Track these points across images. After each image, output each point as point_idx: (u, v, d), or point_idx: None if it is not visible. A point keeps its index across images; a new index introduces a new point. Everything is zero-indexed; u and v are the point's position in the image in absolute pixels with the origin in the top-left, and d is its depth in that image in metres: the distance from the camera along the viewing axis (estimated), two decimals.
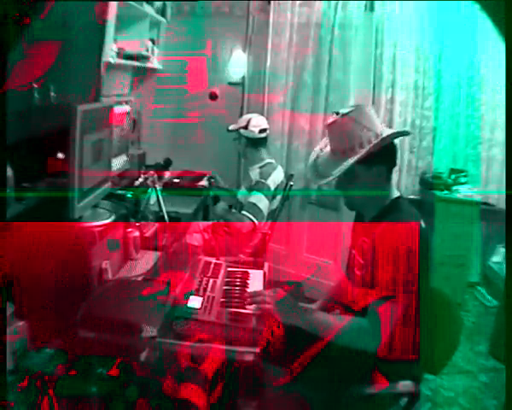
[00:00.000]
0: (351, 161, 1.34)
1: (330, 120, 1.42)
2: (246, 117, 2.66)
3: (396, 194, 1.44)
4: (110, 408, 1.25)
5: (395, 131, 1.43)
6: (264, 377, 1.43)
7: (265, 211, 2.49)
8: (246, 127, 2.60)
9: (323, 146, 1.51)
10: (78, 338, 1.30)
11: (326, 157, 1.46)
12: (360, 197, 1.42)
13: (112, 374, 1.27)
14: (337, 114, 1.40)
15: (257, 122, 2.61)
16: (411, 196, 3.24)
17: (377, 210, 1.41)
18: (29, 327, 1.28)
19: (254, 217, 2.42)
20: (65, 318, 1.32)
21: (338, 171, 1.36)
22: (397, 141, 1.44)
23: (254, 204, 2.44)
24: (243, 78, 3.42)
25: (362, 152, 1.34)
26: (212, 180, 2.94)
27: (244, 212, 2.44)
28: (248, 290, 1.56)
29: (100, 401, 1.26)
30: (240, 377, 1.43)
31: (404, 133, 1.50)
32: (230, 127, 2.67)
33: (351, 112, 1.38)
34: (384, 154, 1.38)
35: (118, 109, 2.60)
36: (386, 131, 1.40)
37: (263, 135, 2.62)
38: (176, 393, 1.28)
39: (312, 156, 1.52)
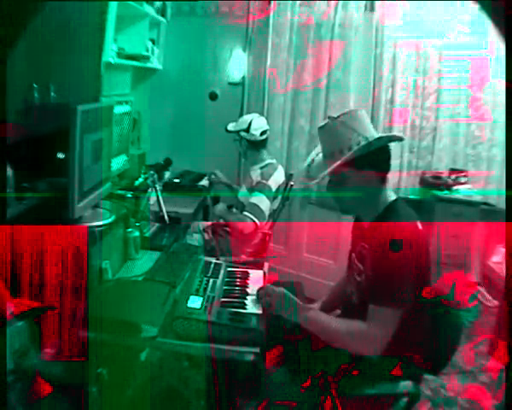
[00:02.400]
0: (336, 163, 1.35)
1: (321, 123, 1.44)
2: (246, 119, 2.65)
3: (392, 197, 1.43)
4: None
5: (385, 135, 1.43)
6: None
7: (267, 212, 2.49)
8: (247, 130, 2.59)
9: (315, 155, 1.53)
10: None
11: (319, 160, 1.48)
12: (353, 203, 1.42)
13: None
14: (329, 118, 1.42)
15: (258, 124, 2.61)
16: (411, 197, 3.24)
17: (373, 215, 1.41)
18: None
19: (256, 218, 2.42)
20: None
21: (324, 173, 1.38)
22: (393, 145, 1.43)
23: (256, 205, 2.45)
24: (243, 78, 3.42)
25: (348, 155, 1.35)
26: (214, 177, 2.95)
27: (246, 212, 2.44)
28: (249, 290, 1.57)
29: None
30: None
31: (395, 138, 1.48)
32: (229, 127, 2.67)
33: (341, 116, 1.40)
34: (375, 158, 1.38)
35: (118, 109, 2.60)
36: (377, 136, 1.40)
37: (264, 137, 2.63)
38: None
39: (308, 159, 1.53)
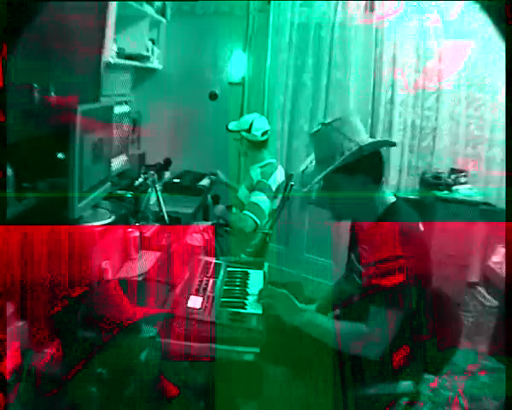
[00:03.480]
0: (328, 169, 1.35)
1: (314, 129, 1.44)
2: (247, 119, 2.65)
3: (391, 200, 1.43)
4: None
5: (377, 140, 1.43)
6: None
7: (267, 211, 2.49)
8: (248, 130, 2.59)
9: (309, 162, 1.53)
10: None
11: (312, 168, 1.48)
12: (348, 208, 1.43)
13: None
14: (322, 124, 1.42)
15: (259, 125, 2.60)
16: (411, 197, 3.24)
17: (374, 217, 1.40)
18: None
19: (256, 217, 2.42)
20: None
21: (316, 179, 1.38)
22: (390, 149, 1.43)
23: (256, 204, 2.44)
24: (243, 78, 3.42)
25: (339, 161, 1.35)
26: (214, 176, 2.95)
27: (246, 212, 2.44)
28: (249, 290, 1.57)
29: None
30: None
31: (387, 143, 1.48)
32: (230, 126, 2.67)
33: (333, 122, 1.40)
34: (367, 163, 1.38)
35: (118, 109, 2.60)
36: (368, 141, 1.40)
37: (265, 137, 2.63)
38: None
39: (302, 166, 1.53)
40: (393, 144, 1.48)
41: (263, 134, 2.60)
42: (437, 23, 3.00)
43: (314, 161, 1.48)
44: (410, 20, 3.04)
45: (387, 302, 1.26)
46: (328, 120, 1.41)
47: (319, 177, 1.37)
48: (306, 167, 1.52)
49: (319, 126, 1.42)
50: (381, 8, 3.01)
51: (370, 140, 1.41)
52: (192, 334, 1.29)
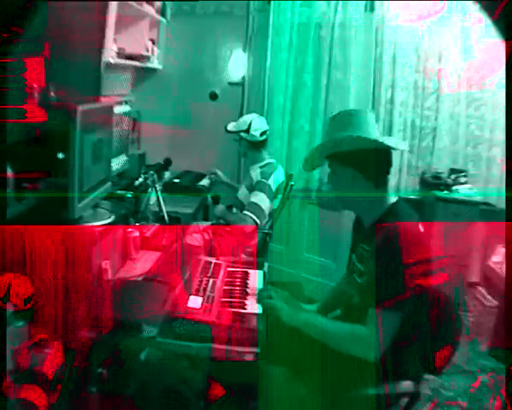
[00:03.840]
0: (329, 152, 1.39)
1: (333, 114, 1.47)
2: (246, 119, 2.65)
3: (394, 199, 1.43)
4: None
5: (384, 139, 1.41)
6: None
7: (267, 211, 2.49)
8: (247, 131, 2.59)
9: None
10: None
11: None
12: (353, 199, 1.43)
13: None
14: (341, 112, 1.45)
15: (258, 125, 2.60)
16: (411, 197, 3.24)
17: (375, 216, 1.40)
18: None
19: (257, 217, 2.42)
20: None
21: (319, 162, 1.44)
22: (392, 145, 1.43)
23: (256, 204, 2.44)
24: (243, 78, 3.42)
25: (334, 149, 1.38)
26: (214, 176, 2.94)
27: (246, 212, 2.44)
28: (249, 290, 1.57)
29: None
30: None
31: (390, 147, 1.46)
32: (229, 127, 2.67)
33: (350, 111, 1.44)
34: (378, 159, 1.38)
35: (118, 109, 2.60)
36: (376, 138, 1.39)
37: (264, 137, 2.63)
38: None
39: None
40: (395, 149, 1.44)
41: (262, 134, 2.60)
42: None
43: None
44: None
45: (387, 303, 1.26)
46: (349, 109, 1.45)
47: (323, 157, 1.42)
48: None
49: (338, 112, 1.46)
50: (381, 9, 3.02)
51: (382, 138, 1.41)
52: (192, 334, 1.29)
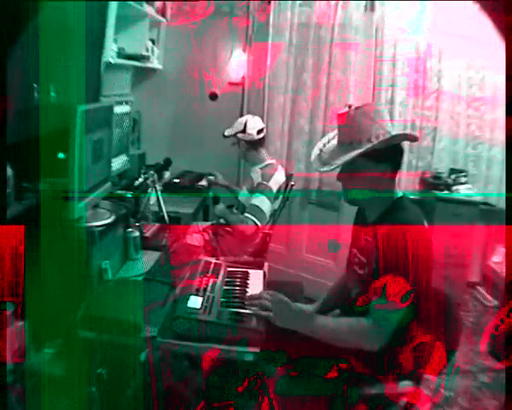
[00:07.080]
0: (356, 152, 1.34)
1: (342, 110, 1.42)
2: (241, 120, 2.65)
3: (399, 194, 1.44)
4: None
5: (405, 132, 1.43)
6: None
7: (268, 213, 2.49)
8: (243, 131, 2.59)
9: (326, 141, 1.52)
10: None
11: (332, 148, 1.46)
12: (362, 195, 1.42)
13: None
14: (350, 107, 1.40)
15: (253, 124, 2.60)
16: (412, 197, 3.24)
17: (381, 209, 1.40)
18: None
19: (257, 219, 2.42)
20: None
21: (341, 160, 1.36)
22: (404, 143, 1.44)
23: (257, 206, 2.44)
24: (243, 78, 3.42)
25: (368, 146, 1.34)
26: (212, 178, 2.94)
27: (247, 214, 2.44)
28: (247, 294, 1.56)
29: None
30: None
31: (411, 137, 1.49)
32: (226, 133, 2.67)
33: (364, 106, 1.39)
34: (390, 153, 1.38)
35: (118, 109, 2.60)
36: (396, 131, 1.40)
37: (261, 135, 2.62)
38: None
39: (320, 145, 1.52)
40: (416, 139, 1.49)
41: (258, 132, 2.60)
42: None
43: (332, 141, 1.48)
44: None
45: (390, 294, 1.26)
46: (358, 105, 1.40)
47: (345, 158, 1.35)
48: (324, 145, 1.51)
49: (346, 108, 1.41)
50: (381, 9, 3.02)
51: (398, 131, 1.41)
52: (192, 334, 1.29)
